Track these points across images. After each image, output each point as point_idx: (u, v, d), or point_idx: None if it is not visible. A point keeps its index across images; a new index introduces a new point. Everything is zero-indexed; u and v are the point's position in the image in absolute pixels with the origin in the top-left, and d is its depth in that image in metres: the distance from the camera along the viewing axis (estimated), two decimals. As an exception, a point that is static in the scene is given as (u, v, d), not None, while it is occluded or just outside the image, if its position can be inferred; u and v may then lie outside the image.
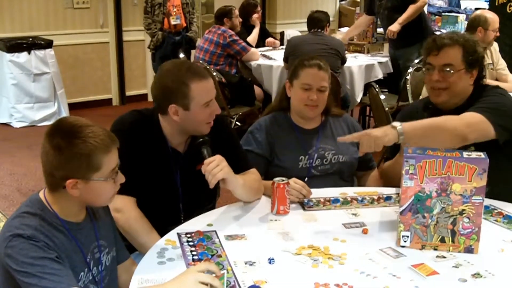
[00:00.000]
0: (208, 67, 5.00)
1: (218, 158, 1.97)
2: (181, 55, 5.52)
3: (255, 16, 6.17)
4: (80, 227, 1.66)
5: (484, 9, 6.09)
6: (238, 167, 2.18)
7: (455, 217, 1.79)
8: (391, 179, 2.38)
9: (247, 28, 6.06)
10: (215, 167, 1.93)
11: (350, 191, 2.32)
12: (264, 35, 6.39)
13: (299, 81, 2.48)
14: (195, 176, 1.98)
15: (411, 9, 5.18)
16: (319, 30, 5.07)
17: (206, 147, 2.05)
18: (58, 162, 1.55)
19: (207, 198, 2.17)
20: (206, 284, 1.46)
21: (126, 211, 2.02)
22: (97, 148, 1.56)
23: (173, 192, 2.16)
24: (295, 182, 2.18)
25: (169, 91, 2.03)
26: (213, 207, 2.28)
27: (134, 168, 1.99)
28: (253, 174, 2.24)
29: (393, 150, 2.47)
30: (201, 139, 2.07)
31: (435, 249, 1.81)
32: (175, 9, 5.78)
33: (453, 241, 1.80)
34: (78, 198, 1.60)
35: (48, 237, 1.54)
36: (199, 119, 2.07)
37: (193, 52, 5.91)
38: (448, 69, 2.25)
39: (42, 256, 1.50)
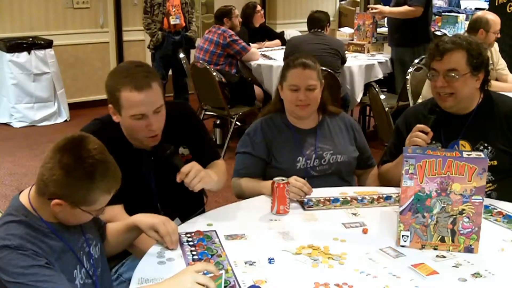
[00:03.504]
0: (208, 66, 5.01)
1: (194, 168, 1.96)
2: (181, 55, 5.53)
3: (258, 15, 6.18)
4: (66, 226, 1.65)
5: (485, 9, 6.09)
6: (206, 159, 2.22)
7: (455, 216, 1.78)
8: (390, 182, 2.37)
9: (249, 30, 6.08)
10: (194, 178, 1.94)
11: (350, 191, 2.32)
12: (269, 35, 6.42)
13: (287, 83, 2.46)
14: (169, 173, 1.98)
15: (402, 9, 5.19)
16: (319, 30, 5.08)
17: (176, 158, 2.03)
18: (59, 180, 1.53)
19: (190, 198, 2.15)
20: (203, 285, 1.46)
21: (116, 221, 2.00)
22: (101, 186, 1.56)
23: (148, 192, 2.14)
24: (295, 180, 2.18)
25: (107, 91, 2.01)
26: (202, 211, 2.26)
27: None
28: (220, 165, 2.27)
29: (391, 153, 2.46)
30: (167, 151, 2.04)
31: (435, 249, 1.81)
32: (174, 9, 5.79)
33: (453, 241, 1.80)
34: (56, 214, 1.58)
35: (35, 245, 1.53)
36: (130, 129, 2.03)
37: (193, 51, 5.92)
38: (452, 74, 2.21)
39: (32, 264, 1.49)
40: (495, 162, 2.24)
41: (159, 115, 2.01)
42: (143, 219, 1.83)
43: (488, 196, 2.25)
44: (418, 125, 2.22)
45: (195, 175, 1.95)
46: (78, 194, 1.54)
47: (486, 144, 2.26)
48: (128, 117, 1.98)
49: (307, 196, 2.20)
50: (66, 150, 1.55)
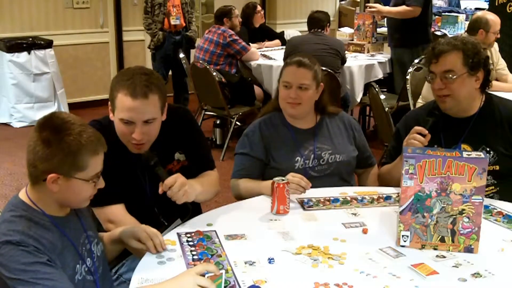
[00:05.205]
0: (208, 66, 5.01)
1: (178, 181, 1.94)
2: (181, 55, 5.53)
3: (258, 16, 6.18)
4: (67, 220, 1.66)
5: (484, 9, 6.08)
6: (200, 168, 2.21)
7: (455, 216, 1.79)
8: (390, 182, 2.37)
9: (249, 30, 6.08)
10: (178, 191, 1.93)
11: (350, 191, 2.32)
12: (269, 35, 6.42)
13: (281, 80, 2.48)
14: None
15: (400, 8, 5.19)
16: (319, 30, 5.08)
17: (159, 168, 2.02)
18: (44, 154, 1.54)
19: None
20: None
21: (118, 221, 2.01)
22: (85, 148, 1.56)
23: (144, 196, 2.14)
24: (292, 176, 2.18)
25: (110, 88, 2.03)
26: (199, 212, 2.26)
27: (107, 177, 1.82)
28: (211, 175, 2.25)
29: (391, 155, 2.46)
30: (152, 162, 2.02)
31: (435, 249, 1.81)
32: (175, 9, 5.79)
33: (453, 241, 1.80)
34: (56, 194, 1.58)
35: (37, 241, 1.53)
36: (118, 131, 2.03)
37: (193, 51, 5.92)
38: (449, 75, 2.21)
39: (33, 261, 1.49)
40: (497, 167, 2.24)
41: (149, 126, 2.00)
42: (123, 229, 1.83)
43: (491, 198, 2.25)
44: (416, 127, 2.21)
45: (179, 189, 1.93)
46: (67, 161, 1.54)
47: (488, 149, 2.25)
48: (118, 119, 2.00)
49: (307, 196, 2.21)
50: (41, 126, 1.57)
